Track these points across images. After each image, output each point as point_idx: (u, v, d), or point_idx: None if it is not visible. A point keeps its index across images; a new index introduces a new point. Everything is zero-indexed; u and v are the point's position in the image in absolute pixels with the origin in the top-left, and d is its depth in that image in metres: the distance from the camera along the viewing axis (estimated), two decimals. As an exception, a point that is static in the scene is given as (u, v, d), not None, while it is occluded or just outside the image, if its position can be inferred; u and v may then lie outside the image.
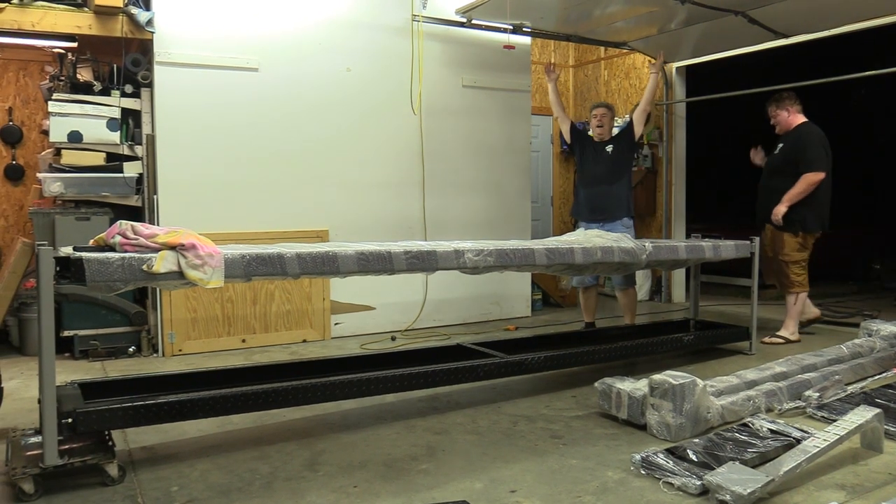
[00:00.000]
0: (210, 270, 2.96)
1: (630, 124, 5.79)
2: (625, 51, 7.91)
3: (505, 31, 6.44)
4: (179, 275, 2.93)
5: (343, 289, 5.86)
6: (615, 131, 6.16)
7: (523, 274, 6.77)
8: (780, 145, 5.63)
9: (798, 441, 3.10)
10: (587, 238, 4.48)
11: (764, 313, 5.77)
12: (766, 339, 5.53)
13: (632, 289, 5.86)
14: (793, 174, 5.44)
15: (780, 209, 5.40)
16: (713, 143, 10.89)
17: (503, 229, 6.56)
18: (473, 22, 6.30)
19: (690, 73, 7.92)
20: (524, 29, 6.59)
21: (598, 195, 5.69)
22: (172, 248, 2.93)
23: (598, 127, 5.78)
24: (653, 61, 5.75)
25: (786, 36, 6.42)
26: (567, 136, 6.06)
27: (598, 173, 5.72)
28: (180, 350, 5.27)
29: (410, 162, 6.19)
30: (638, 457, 3.02)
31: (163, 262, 2.88)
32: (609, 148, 5.73)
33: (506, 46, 6.23)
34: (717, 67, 7.62)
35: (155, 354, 5.28)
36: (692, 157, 8.04)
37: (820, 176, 5.37)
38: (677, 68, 7.84)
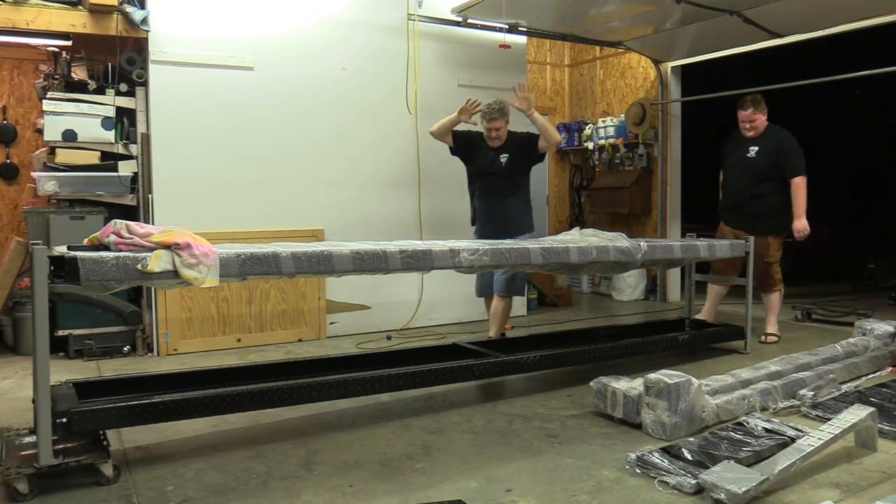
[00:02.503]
0: (205, 269, 2.96)
1: (535, 138, 5.12)
2: (620, 50, 7.93)
3: (501, 30, 6.44)
4: (174, 274, 2.92)
5: (338, 288, 5.86)
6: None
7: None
8: (755, 148, 5.59)
9: (793, 440, 3.11)
10: (582, 237, 4.48)
11: (759, 312, 5.78)
12: (763, 339, 5.61)
13: (511, 299, 5.21)
14: (779, 179, 5.52)
15: (804, 222, 5.44)
16: (708, 143, 10.91)
17: (499, 228, 6.55)
18: (469, 21, 6.29)
19: (686, 72, 7.93)
20: (520, 28, 6.60)
21: (497, 209, 5.13)
22: (167, 247, 2.92)
23: (494, 139, 5.11)
24: (520, 108, 5.09)
25: (781, 36, 6.43)
26: (451, 143, 5.29)
27: (494, 185, 5.13)
28: (175, 349, 5.26)
29: (406, 161, 6.18)
30: (633, 456, 3.02)
31: (157, 262, 2.87)
32: (503, 157, 5.09)
33: (502, 46, 6.23)
34: (712, 67, 7.63)
35: (150, 354, 5.26)
36: (687, 157, 8.05)
37: (805, 178, 5.47)
38: (672, 68, 7.85)
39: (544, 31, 6.99)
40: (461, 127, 5.29)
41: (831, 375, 4.12)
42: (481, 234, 5.20)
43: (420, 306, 6.29)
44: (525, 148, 5.14)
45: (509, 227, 5.02)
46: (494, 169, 5.11)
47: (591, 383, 3.78)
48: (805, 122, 11.57)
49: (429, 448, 3.32)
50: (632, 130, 8.02)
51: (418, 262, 3.60)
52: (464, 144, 5.28)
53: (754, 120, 5.59)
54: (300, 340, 5.72)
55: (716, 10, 5.83)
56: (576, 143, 8.98)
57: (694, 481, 2.75)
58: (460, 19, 6.24)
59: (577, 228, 5.22)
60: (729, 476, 2.66)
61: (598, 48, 8.55)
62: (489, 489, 2.83)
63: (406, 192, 6.20)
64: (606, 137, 8.44)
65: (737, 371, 4.10)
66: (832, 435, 2.98)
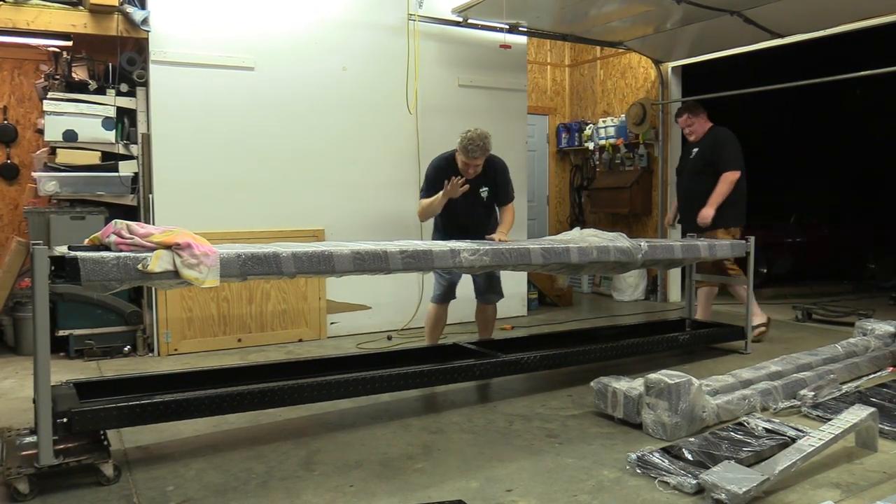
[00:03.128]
0: (205, 270, 2.96)
1: (507, 175, 4.76)
2: (621, 50, 7.92)
3: (501, 30, 6.44)
4: (175, 274, 2.92)
5: (339, 288, 5.86)
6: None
7: (519, 273, 6.77)
8: (696, 150, 5.78)
9: (793, 440, 3.11)
10: (582, 237, 4.48)
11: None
12: (755, 334, 5.59)
13: (494, 305, 4.98)
14: (713, 175, 5.60)
15: (709, 212, 5.51)
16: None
17: (499, 229, 6.55)
18: (469, 21, 6.30)
19: (686, 72, 7.93)
20: (520, 28, 6.60)
21: (473, 234, 4.52)
22: (168, 247, 2.92)
23: (471, 173, 4.53)
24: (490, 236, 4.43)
25: (781, 36, 6.44)
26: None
27: (477, 218, 4.68)
28: (176, 349, 5.26)
29: (406, 161, 6.18)
30: (634, 456, 3.02)
31: (158, 262, 2.88)
32: (484, 192, 4.64)
33: (502, 46, 6.23)
34: (713, 67, 7.64)
35: (150, 354, 5.26)
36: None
37: (737, 174, 5.57)
38: (673, 68, 7.85)
39: (545, 32, 6.99)
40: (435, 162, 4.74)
41: (832, 375, 4.11)
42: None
43: (420, 306, 6.28)
44: (501, 182, 4.71)
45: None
46: (477, 204, 4.63)
47: (592, 383, 3.78)
48: (806, 122, 11.62)
49: (429, 448, 3.32)
50: (632, 130, 8.02)
51: (419, 262, 3.61)
52: (440, 182, 4.49)
53: (691, 125, 5.78)
54: (301, 340, 5.72)
55: (716, 11, 5.83)
56: (576, 144, 8.99)
57: (694, 481, 2.75)
58: (461, 19, 6.24)
59: (578, 228, 5.22)
60: (729, 476, 2.66)
61: (598, 48, 8.55)
62: (489, 489, 2.83)
63: (406, 192, 6.19)
64: (607, 137, 8.45)
65: (737, 371, 4.10)
66: (833, 435, 2.97)
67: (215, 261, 3.00)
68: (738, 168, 5.57)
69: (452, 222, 4.68)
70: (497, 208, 4.79)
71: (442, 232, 4.77)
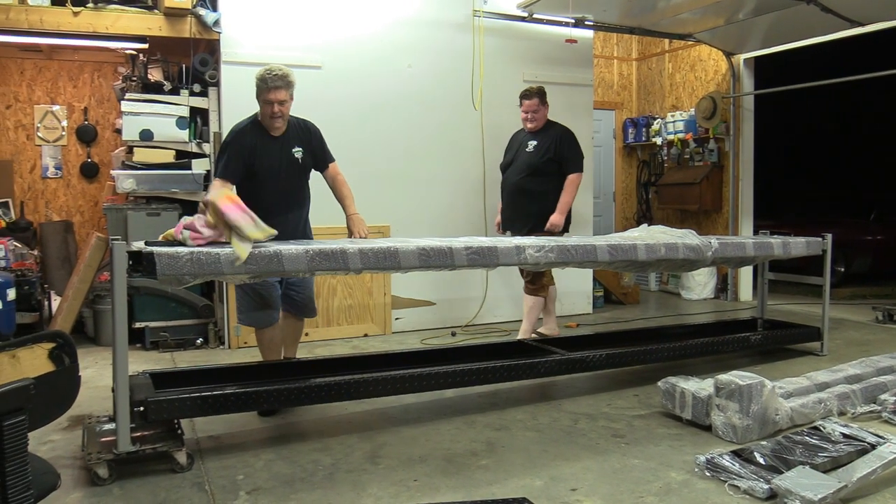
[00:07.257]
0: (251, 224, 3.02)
1: (324, 145, 4.11)
2: (690, 43, 7.73)
3: (566, 24, 6.36)
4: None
5: (403, 284, 5.90)
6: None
7: (584, 270, 6.68)
8: (534, 143, 5.35)
9: (873, 446, 2.99)
10: (650, 234, 4.39)
11: (836, 313, 5.57)
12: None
13: (304, 321, 4.20)
14: (555, 174, 5.29)
15: (559, 218, 5.22)
16: (784, 137, 10.56)
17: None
18: (535, 16, 6.25)
19: (759, 64, 7.69)
20: (586, 22, 6.51)
21: (290, 226, 3.90)
22: (227, 226, 2.99)
23: (277, 118, 3.78)
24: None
25: (862, 24, 6.16)
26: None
27: (284, 189, 3.91)
28: (245, 342, 5.39)
29: (472, 157, 6.18)
30: (702, 458, 2.95)
31: (242, 247, 2.95)
32: (297, 152, 3.88)
33: (567, 40, 6.16)
34: (787, 58, 7.37)
35: (221, 346, 5.41)
36: (761, 152, 7.81)
37: (581, 176, 5.35)
38: (745, 60, 7.62)
39: (611, 25, 6.88)
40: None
41: (915, 380, 3.93)
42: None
43: (485, 303, 6.28)
44: (319, 149, 4.06)
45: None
46: (294, 168, 3.90)
47: (659, 383, 3.71)
48: (887, 115, 11.11)
49: (493, 445, 3.31)
50: (702, 125, 7.83)
51: (484, 258, 3.59)
52: (246, 152, 3.75)
53: (537, 111, 5.35)
54: (366, 335, 5.79)
55: (791, 0, 5.62)
56: (643, 139, 8.82)
57: (767, 486, 2.67)
58: (526, 14, 6.20)
59: (645, 225, 5.12)
60: (804, 482, 2.57)
61: (666, 41, 8.37)
62: (554, 488, 2.81)
63: (471, 187, 6.20)
64: (675, 132, 8.26)
65: (812, 373, 3.96)
66: (916, 442, 2.85)
67: (243, 216, 3.04)
68: (581, 170, 5.34)
69: (271, 192, 3.79)
70: (327, 180, 4.17)
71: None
